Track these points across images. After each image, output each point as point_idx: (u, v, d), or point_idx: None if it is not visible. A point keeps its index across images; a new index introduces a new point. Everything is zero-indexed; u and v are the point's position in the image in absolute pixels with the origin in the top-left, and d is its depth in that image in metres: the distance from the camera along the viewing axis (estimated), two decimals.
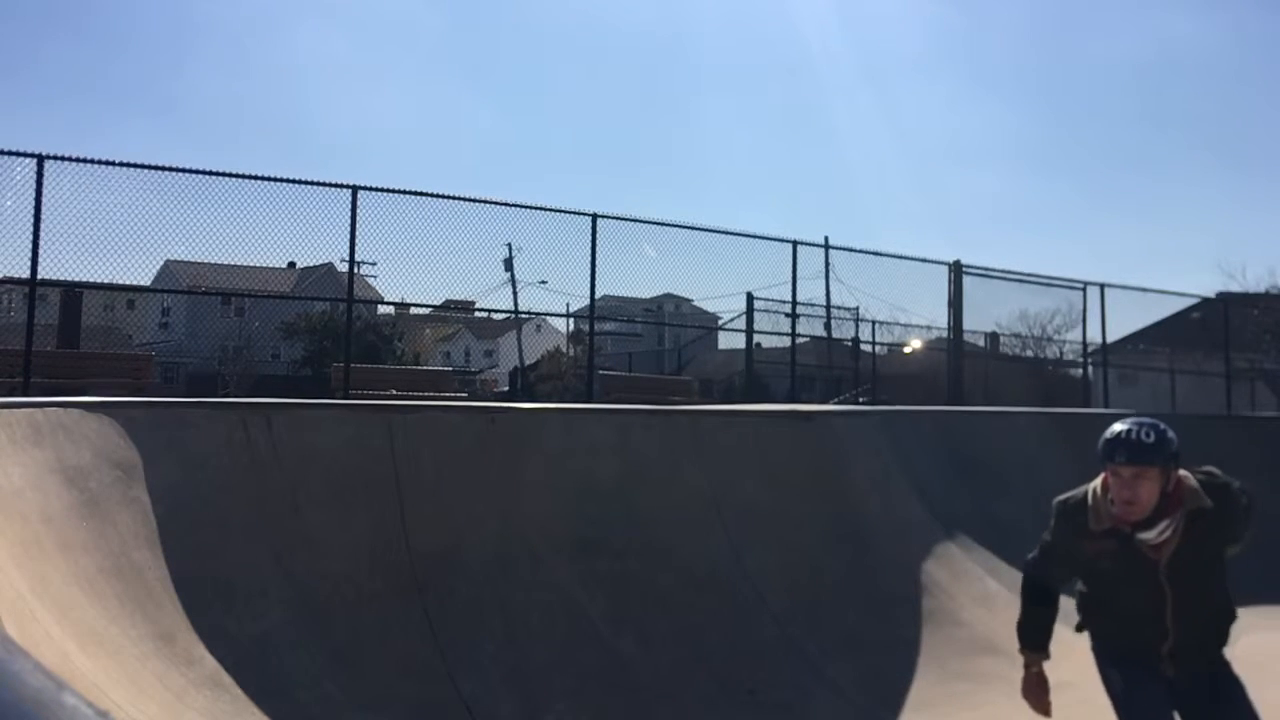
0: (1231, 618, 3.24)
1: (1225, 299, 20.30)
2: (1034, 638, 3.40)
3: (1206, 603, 3.15)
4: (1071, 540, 3.19)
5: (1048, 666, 3.31)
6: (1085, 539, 3.13)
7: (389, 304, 16.16)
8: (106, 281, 10.18)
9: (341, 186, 9.63)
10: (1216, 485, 3.13)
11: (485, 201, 10.49)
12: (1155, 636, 3.10)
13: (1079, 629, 3.45)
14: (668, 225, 11.65)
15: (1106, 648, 3.31)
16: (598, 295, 10.82)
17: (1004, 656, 6.01)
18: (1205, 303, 19.27)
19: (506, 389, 20.67)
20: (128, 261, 11.17)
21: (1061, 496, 3.27)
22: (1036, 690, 3.37)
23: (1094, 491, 3.16)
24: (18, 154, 8.32)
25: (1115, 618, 3.23)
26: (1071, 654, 6.60)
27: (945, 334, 14.08)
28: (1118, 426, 3.12)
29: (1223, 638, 3.23)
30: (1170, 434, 3.10)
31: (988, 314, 14.88)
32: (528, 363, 21.97)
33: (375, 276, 14.30)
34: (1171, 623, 3.07)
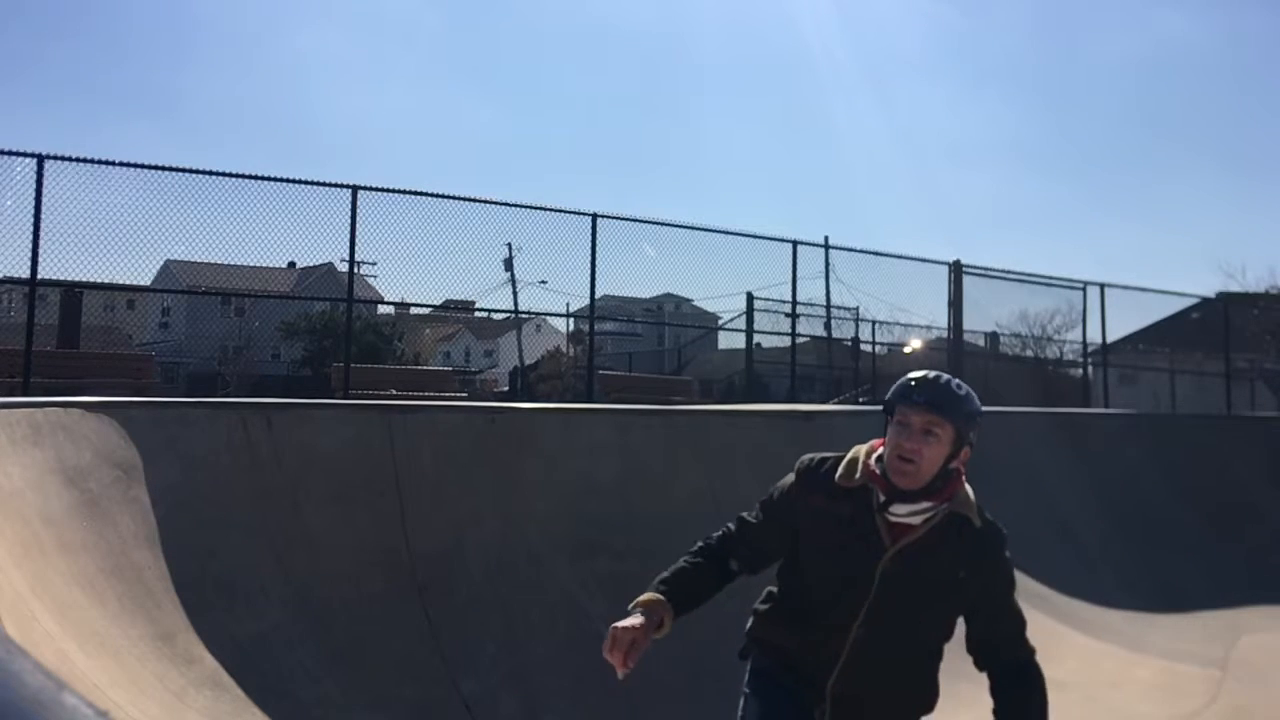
0: (926, 702, 2.67)
1: (1225, 299, 20.30)
2: (670, 584, 2.67)
3: (905, 643, 2.57)
4: (800, 498, 2.63)
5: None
6: (819, 494, 2.59)
7: (389, 304, 16.18)
8: (106, 281, 10.19)
9: (341, 186, 9.63)
10: (993, 523, 2.63)
11: (485, 201, 10.50)
12: (829, 658, 2.55)
13: (742, 655, 2.89)
14: (668, 225, 11.65)
15: (767, 667, 2.74)
16: (598, 295, 10.83)
17: None
18: (1205, 303, 19.28)
19: (506, 389, 20.67)
20: (128, 261, 11.17)
21: (811, 455, 2.76)
22: (626, 639, 2.51)
23: (856, 452, 2.65)
24: (18, 154, 8.32)
25: (797, 622, 2.63)
26: (1071, 654, 6.62)
27: (945, 334, 14.10)
28: (920, 371, 2.63)
29: (902, 716, 2.67)
30: (979, 402, 2.60)
31: (988, 314, 14.90)
32: (528, 363, 21.97)
33: (375, 276, 14.32)
34: (852, 643, 2.51)
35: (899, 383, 2.59)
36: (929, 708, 2.68)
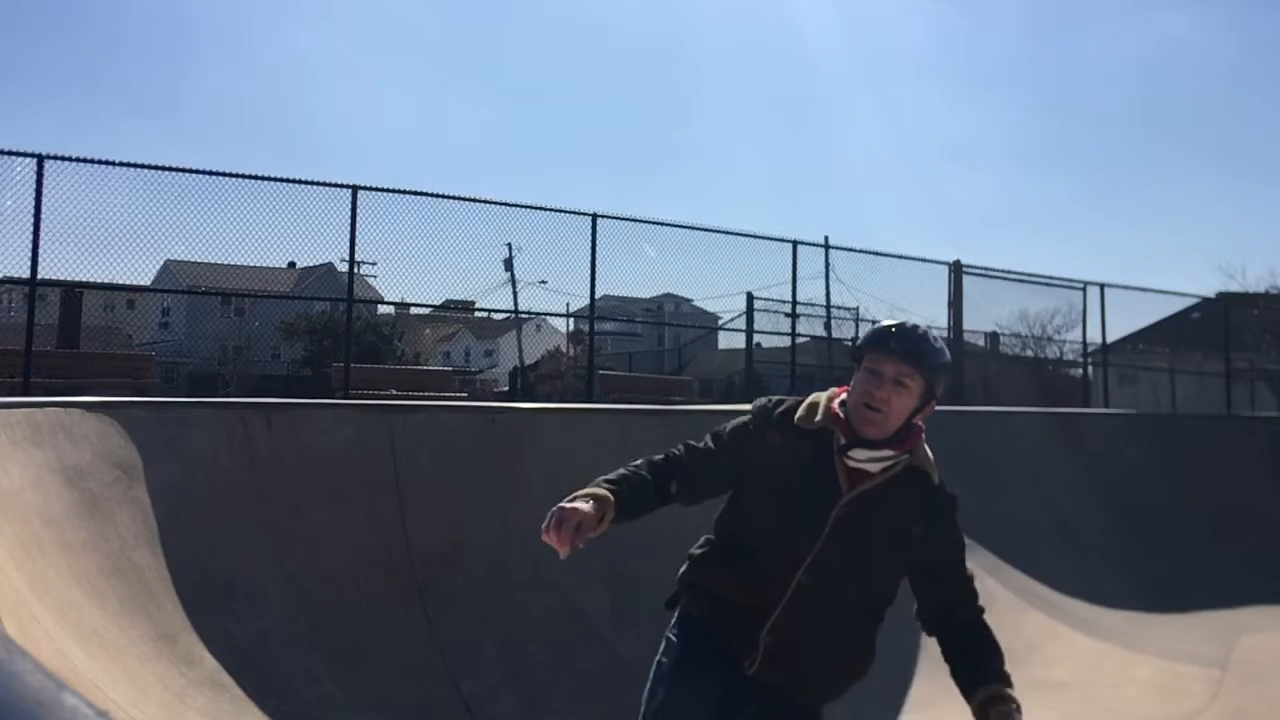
0: (860, 666, 2.61)
1: (1225, 299, 20.29)
2: (616, 486, 2.42)
3: (848, 595, 2.46)
4: (757, 435, 2.51)
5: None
6: (777, 432, 2.49)
7: (389, 304, 16.17)
8: (106, 281, 10.19)
9: (341, 186, 9.63)
10: (947, 486, 2.55)
11: (485, 201, 10.50)
12: (767, 605, 2.42)
13: (670, 602, 2.70)
14: (668, 225, 11.65)
15: (697, 614, 2.56)
16: (598, 295, 10.83)
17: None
18: (1205, 303, 19.27)
19: (506, 389, 20.66)
20: (128, 261, 11.19)
21: (769, 397, 2.65)
22: (573, 520, 2.25)
23: (816, 397, 2.56)
24: (18, 154, 8.32)
25: (736, 566, 2.50)
26: (1071, 654, 6.62)
27: (945, 334, 14.08)
28: (896, 320, 2.56)
29: (835, 677, 2.59)
30: (949, 355, 2.54)
31: (988, 314, 14.90)
32: (528, 363, 21.96)
33: (375, 276, 14.32)
34: (794, 590, 2.39)
35: (874, 329, 2.55)
36: (861, 673, 2.62)
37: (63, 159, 8.45)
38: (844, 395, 2.53)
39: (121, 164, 8.87)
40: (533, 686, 5.16)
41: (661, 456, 2.59)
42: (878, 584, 2.52)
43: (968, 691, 2.54)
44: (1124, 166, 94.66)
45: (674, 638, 2.61)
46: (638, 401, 9.93)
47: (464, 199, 10.32)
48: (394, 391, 10.34)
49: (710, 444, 2.58)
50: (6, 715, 0.51)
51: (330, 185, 9.77)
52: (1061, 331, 16.43)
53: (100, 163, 8.78)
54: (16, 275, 8.70)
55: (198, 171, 9.33)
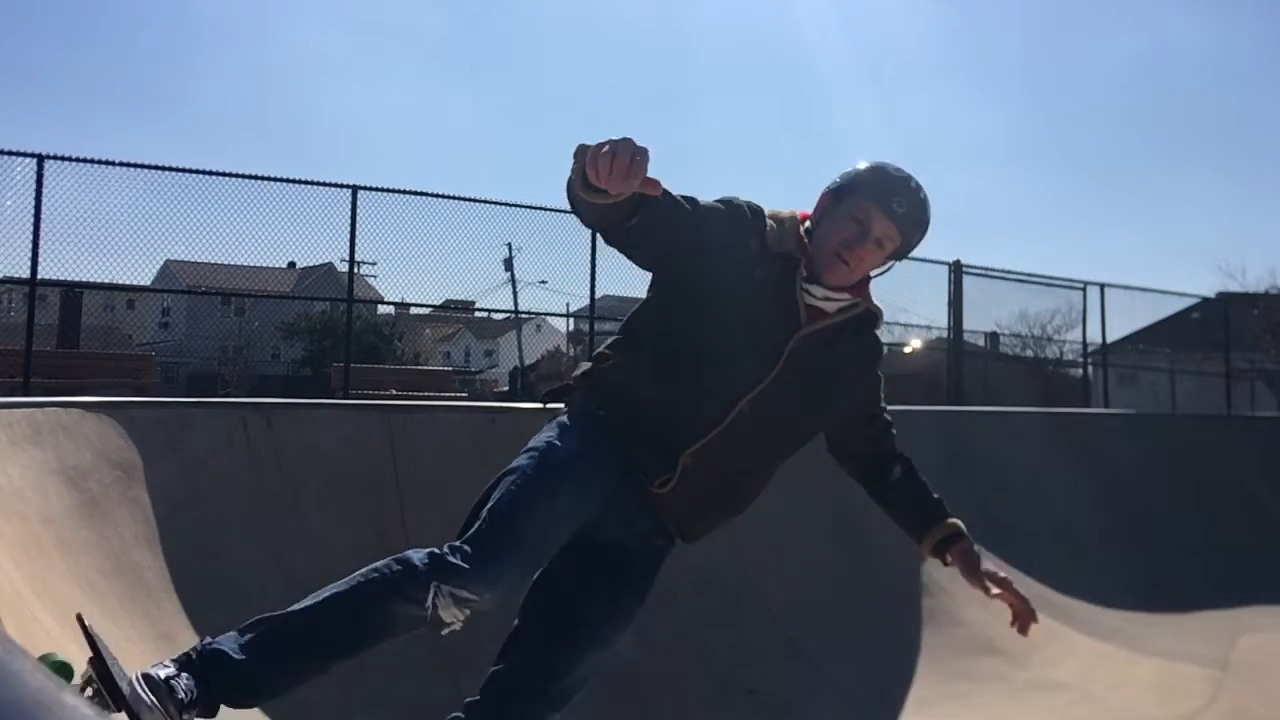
0: (741, 506, 2.47)
1: (1225, 299, 20.32)
2: None
3: (777, 434, 2.35)
4: (742, 232, 2.29)
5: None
6: (756, 241, 2.29)
7: (389, 304, 16.15)
8: (106, 281, 10.19)
9: (341, 186, 9.63)
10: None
11: (485, 201, 10.50)
12: (700, 426, 2.23)
13: (559, 394, 2.45)
14: None
15: (606, 416, 2.30)
16: (598, 295, 10.82)
17: (1004, 656, 6.01)
18: (1205, 303, 19.28)
19: (506, 389, 20.65)
20: (128, 261, 11.18)
21: (752, 201, 2.38)
22: (638, 150, 1.88)
23: (788, 214, 2.37)
24: (18, 154, 8.32)
25: (674, 376, 2.25)
26: (1071, 654, 6.61)
27: (945, 334, 14.08)
28: (894, 168, 2.32)
29: (723, 514, 2.44)
30: None
31: (988, 314, 14.89)
32: (528, 363, 21.96)
33: (375, 276, 14.31)
34: (735, 417, 2.23)
35: (877, 174, 2.31)
36: (739, 512, 2.50)
37: (63, 159, 8.46)
38: (808, 222, 2.37)
39: (121, 164, 8.87)
40: None
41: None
42: (810, 425, 2.46)
43: (917, 534, 2.56)
44: (1124, 167, 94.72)
45: (573, 426, 2.33)
46: None
47: (464, 199, 10.32)
48: (394, 391, 10.36)
49: (688, 203, 2.24)
50: (6, 715, 0.51)
51: (330, 185, 9.77)
52: (1061, 331, 16.44)
53: (100, 163, 8.78)
54: (16, 275, 8.70)
55: (198, 171, 9.33)
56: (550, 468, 2.25)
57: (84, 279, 9.83)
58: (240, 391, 16.52)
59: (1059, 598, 7.36)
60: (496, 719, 2.34)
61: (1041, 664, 5.94)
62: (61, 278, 9.36)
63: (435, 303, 13.58)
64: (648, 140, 1.88)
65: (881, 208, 2.27)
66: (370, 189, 9.68)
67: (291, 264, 16.99)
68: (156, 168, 9.16)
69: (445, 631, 2.13)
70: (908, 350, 16.43)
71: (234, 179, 9.53)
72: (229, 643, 2.19)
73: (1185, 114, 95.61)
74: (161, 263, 14.33)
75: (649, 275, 2.44)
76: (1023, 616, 2.50)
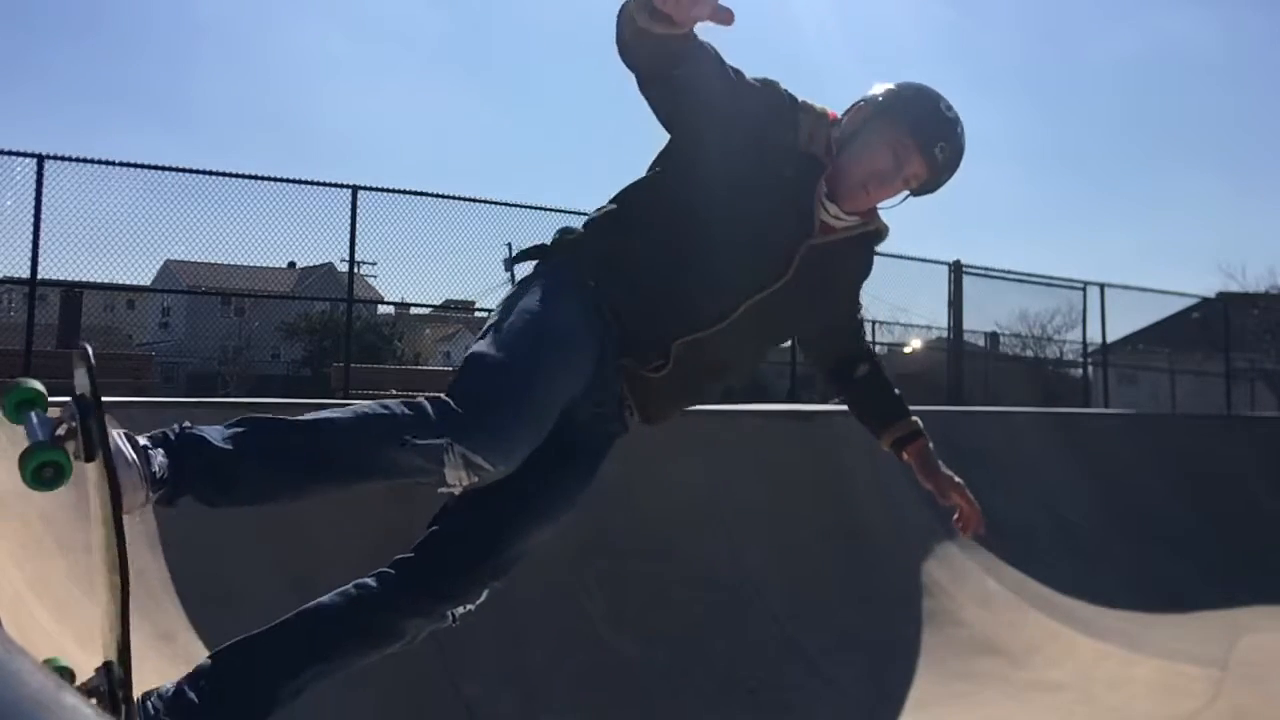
0: (703, 400, 2.44)
1: (1225, 299, 20.34)
2: None
3: (772, 337, 2.35)
4: (784, 113, 2.18)
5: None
6: (791, 133, 2.17)
7: (389, 304, 16.18)
8: (106, 281, 10.20)
9: (341, 186, 9.64)
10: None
11: (485, 201, 10.51)
12: (699, 318, 2.13)
13: (543, 253, 2.26)
14: None
15: (610, 285, 2.14)
16: None
17: (1004, 656, 6.02)
18: (1205, 303, 19.30)
19: None
20: (128, 261, 11.22)
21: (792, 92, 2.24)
22: None
23: (814, 108, 2.24)
24: (18, 154, 8.33)
25: (689, 258, 2.12)
26: (1071, 654, 6.61)
27: (945, 334, 14.09)
28: (944, 102, 2.20)
29: (691, 402, 2.39)
30: None
31: (988, 314, 14.91)
32: None
33: (375, 276, 14.32)
34: (739, 316, 2.14)
35: (927, 109, 2.19)
36: (704, 402, 2.50)
37: (63, 159, 8.47)
38: (836, 121, 2.25)
39: (121, 164, 8.89)
40: (533, 686, 5.16)
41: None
42: (800, 330, 2.49)
43: (878, 430, 2.62)
44: (1124, 167, 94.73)
45: (558, 292, 2.13)
46: None
47: (464, 199, 10.33)
48: (394, 391, 10.33)
49: (734, 73, 2.14)
50: (6, 715, 0.51)
51: (330, 185, 9.79)
52: (1061, 331, 16.46)
53: (100, 163, 8.79)
54: (16, 275, 8.71)
55: (198, 171, 9.35)
56: (554, 341, 2.07)
57: (84, 279, 9.84)
58: (240, 392, 16.53)
59: (1059, 598, 7.36)
60: (441, 581, 2.26)
61: (1041, 664, 5.94)
62: (61, 278, 9.37)
63: (435, 303, 13.61)
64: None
65: (922, 149, 2.16)
66: (370, 189, 9.70)
67: (291, 264, 17.01)
68: (156, 168, 9.18)
69: (441, 490, 2.00)
70: (908, 350, 16.45)
71: (234, 179, 9.55)
72: (213, 432, 1.99)
73: (1185, 114, 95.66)
74: (161, 263, 14.35)
75: (660, 156, 2.27)
76: (968, 519, 2.57)
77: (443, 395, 1.96)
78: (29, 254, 8.24)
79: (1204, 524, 10.04)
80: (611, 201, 2.26)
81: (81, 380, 1.85)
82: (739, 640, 5.79)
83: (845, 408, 2.67)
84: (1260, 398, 19.33)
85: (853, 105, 2.29)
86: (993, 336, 15.87)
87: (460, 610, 2.27)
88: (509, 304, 2.16)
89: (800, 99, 2.26)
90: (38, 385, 1.90)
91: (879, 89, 2.27)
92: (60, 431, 1.80)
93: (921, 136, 2.17)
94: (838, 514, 7.09)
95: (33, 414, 1.85)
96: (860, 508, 7.31)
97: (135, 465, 1.83)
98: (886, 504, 7.50)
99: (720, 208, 2.14)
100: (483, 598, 2.28)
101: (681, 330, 2.16)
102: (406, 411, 1.94)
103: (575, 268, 2.18)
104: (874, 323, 15.28)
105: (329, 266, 16.78)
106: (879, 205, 2.31)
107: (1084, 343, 15.91)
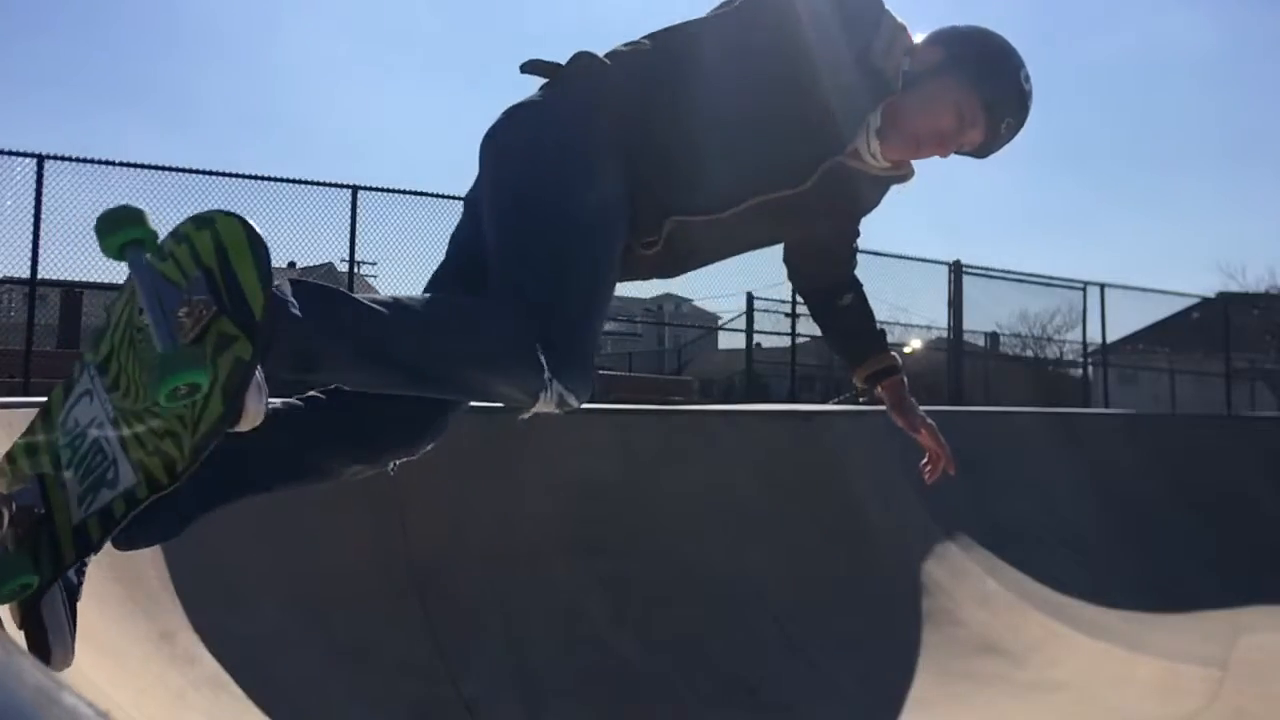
0: (679, 271, 2.25)
1: (1225, 299, 20.36)
2: None
3: (762, 240, 2.27)
4: (871, 9, 2.02)
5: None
6: (873, 35, 2.02)
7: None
8: (106, 281, 10.19)
9: (341, 186, 9.66)
10: None
11: None
12: (705, 203, 1.99)
13: (559, 72, 2.02)
14: None
15: (637, 143, 1.94)
16: None
17: (1004, 656, 6.02)
18: (1205, 303, 19.32)
19: None
20: None
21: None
22: None
23: (900, 29, 2.08)
24: (18, 154, 8.34)
25: (719, 142, 1.95)
26: (1071, 654, 6.62)
27: (945, 334, 14.10)
28: (1026, 73, 2.09)
29: (669, 276, 2.26)
30: None
31: (988, 314, 14.94)
32: None
33: (375, 276, 14.33)
34: (742, 212, 2.04)
35: (1010, 80, 2.08)
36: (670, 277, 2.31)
37: (63, 159, 8.48)
38: (907, 58, 2.04)
39: (121, 164, 8.90)
40: (533, 686, 5.16)
41: None
42: (791, 237, 2.34)
43: (855, 361, 2.54)
44: (1124, 166, 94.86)
45: (588, 152, 1.91)
46: (638, 401, 9.94)
47: (464, 199, 10.32)
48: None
49: None
50: (6, 715, 0.51)
51: (330, 185, 9.81)
52: (1061, 331, 16.51)
53: (100, 163, 8.80)
54: (16, 275, 8.72)
55: (198, 171, 9.36)
56: (611, 262, 1.92)
57: (84, 279, 9.85)
58: None
59: (1059, 598, 7.36)
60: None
61: (1041, 664, 5.95)
62: (61, 278, 9.38)
63: None
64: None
65: (990, 121, 2.07)
66: (370, 189, 9.72)
67: (291, 264, 16.98)
68: (156, 168, 9.20)
69: (522, 417, 1.86)
70: (908, 350, 16.44)
71: (234, 179, 9.57)
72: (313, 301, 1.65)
73: (1185, 114, 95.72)
74: None
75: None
76: (936, 461, 2.47)
77: (530, 311, 1.74)
78: (29, 254, 8.27)
79: (1204, 524, 10.04)
80: (649, 40, 2.02)
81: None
82: (739, 640, 5.79)
83: (822, 335, 2.61)
84: (1260, 398, 19.34)
85: (927, 37, 2.10)
86: (993, 336, 15.89)
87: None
88: (544, 159, 1.89)
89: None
90: (145, 216, 1.49)
91: (955, 33, 2.11)
92: (182, 316, 1.36)
93: (993, 107, 2.06)
94: (838, 514, 7.09)
95: (150, 269, 1.41)
96: (860, 508, 7.31)
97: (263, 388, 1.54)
98: (886, 504, 7.51)
99: (771, 94, 1.95)
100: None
101: (682, 208, 1.99)
102: (522, 343, 1.73)
103: (605, 118, 1.93)
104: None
105: (329, 266, 16.77)
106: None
107: (1084, 343, 15.95)
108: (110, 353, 1.54)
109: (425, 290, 2.17)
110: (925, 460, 2.49)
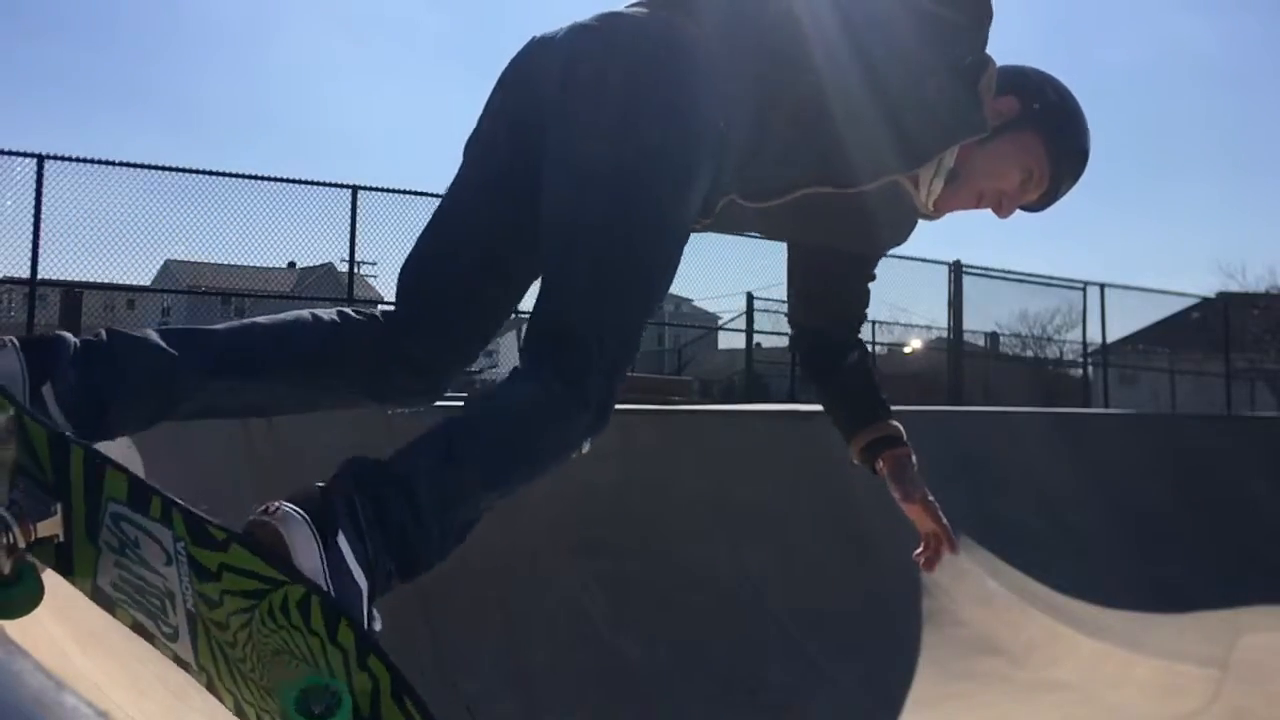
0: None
1: (1225, 299, 20.35)
2: None
3: (780, 232, 2.08)
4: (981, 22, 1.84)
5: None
6: (971, 48, 1.83)
7: (389, 304, 16.17)
8: (106, 281, 10.20)
9: (341, 186, 9.66)
10: None
11: None
12: (759, 187, 1.77)
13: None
14: None
15: (744, 129, 1.69)
16: None
17: (1004, 656, 6.02)
18: (1205, 303, 19.32)
19: None
20: (128, 261, 11.20)
21: None
22: None
23: (995, 71, 1.86)
24: (18, 154, 8.34)
25: (806, 123, 1.70)
26: (1071, 654, 6.62)
27: (945, 334, 14.10)
28: (1090, 138, 1.97)
29: None
30: None
31: (988, 314, 14.94)
32: None
33: (375, 276, 14.33)
34: (784, 198, 1.79)
35: (1079, 148, 1.94)
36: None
37: (63, 159, 8.48)
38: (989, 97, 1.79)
39: (121, 164, 8.90)
40: (533, 686, 5.16)
41: None
42: (814, 243, 2.13)
43: (855, 429, 2.23)
44: (1124, 167, 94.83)
45: (704, 128, 1.64)
46: (638, 401, 9.93)
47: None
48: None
49: None
50: (6, 715, 0.51)
51: (330, 185, 9.81)
52: (1061, 332, 16.50)
53: (100, 163, 8.80)
54: (16, 275, 8.71)
55: (198, 171, 9.37)
56: (674, 266, 1.72)
57: (84, 279, 9.84)
58: None
59: (1059, 598, 7.36)
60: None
61: (1041, 664, 5.94)
62: (61, 278, 9.37)
63: None
64: None
65: (1055, 188, 1.96)
66: (370, 189, 9.71)
67: (291, 264, 16.99)
68: (156, 168, 9.20)
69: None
70: (908, 350, 16.45)
71: (234, 179, 9.57)
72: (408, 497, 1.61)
73: (1185, 115, 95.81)
74: (162, 263, 14.35)
75: None
76: (935, 546, 2.21)
77: (586, 357, 1.64)
78: (29, 254, 8.27)
79: (1204, 524, 10.04)
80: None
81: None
82: (739, 640, 5.79)
83: (820, 399, 2.32)
84: (1260, 398, 19.34)
85: (1008, 84, 1.90)
86: (993, 337, 15.89)
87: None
88: (651, 136, 1.61)
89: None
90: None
91: (1030, 84, 1.94)
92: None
93: (1059, 175, 1.94)
94: (838, 514, 7.08)
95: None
96: (860, 508, 7.31)
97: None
98: (886, 504, 7.49)
99: (873, 92, 1.72)
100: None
101: (747, 193, 1.78)
102: (572, 410, 1.70)
103: (735, 79, 1.67)
104: (874, 323, 15.31)
105: (329, 266, 16.77)
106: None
107: (1084, 343, 15.94)
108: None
109: (431, 225, 2.09)
110: (920, 549, 2.24)
